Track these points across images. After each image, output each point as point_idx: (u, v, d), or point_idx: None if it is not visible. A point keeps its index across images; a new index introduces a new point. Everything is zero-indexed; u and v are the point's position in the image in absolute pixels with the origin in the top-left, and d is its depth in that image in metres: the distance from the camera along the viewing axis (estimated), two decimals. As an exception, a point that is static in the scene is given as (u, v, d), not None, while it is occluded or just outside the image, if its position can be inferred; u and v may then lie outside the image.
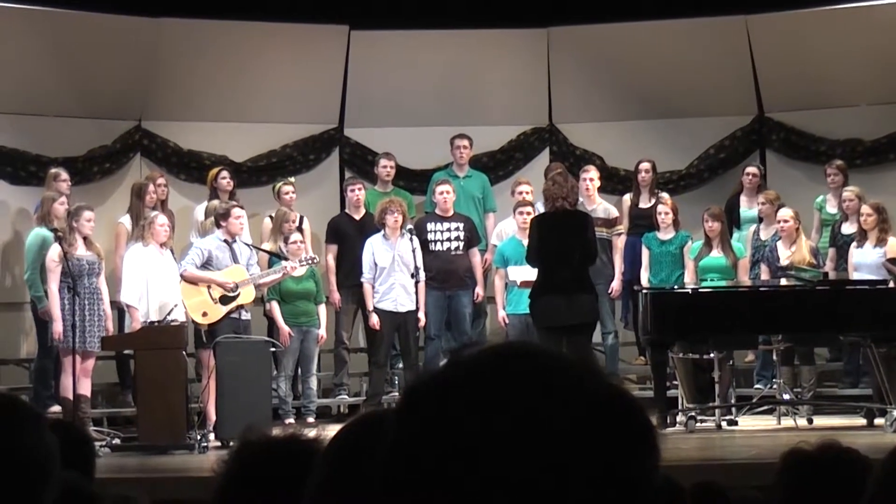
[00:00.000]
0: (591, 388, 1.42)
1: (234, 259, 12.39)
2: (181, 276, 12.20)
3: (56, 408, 11.99)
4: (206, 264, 12.32)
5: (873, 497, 1.76)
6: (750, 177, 13.94)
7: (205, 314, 12.20)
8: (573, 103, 15.08)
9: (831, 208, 13.56)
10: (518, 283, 12.57)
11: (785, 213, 12.87)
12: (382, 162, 14.18)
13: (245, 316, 12.41)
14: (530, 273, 11.92)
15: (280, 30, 14.60)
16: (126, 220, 13.05)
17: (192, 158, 14.63)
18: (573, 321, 11.31)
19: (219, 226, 12.53)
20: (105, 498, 3.25)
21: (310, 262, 12.83)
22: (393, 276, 13.06)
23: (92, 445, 4.04)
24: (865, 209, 12.58)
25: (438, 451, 1.39)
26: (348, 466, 2.02)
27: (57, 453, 2.08)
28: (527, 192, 13.54)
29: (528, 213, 12.79)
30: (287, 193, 13.66)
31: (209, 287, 12.23)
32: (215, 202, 13.28)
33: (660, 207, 13.35)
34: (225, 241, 12.43)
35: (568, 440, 1.38)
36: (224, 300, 12.23)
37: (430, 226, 13.55)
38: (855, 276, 12.39)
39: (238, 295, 12.26)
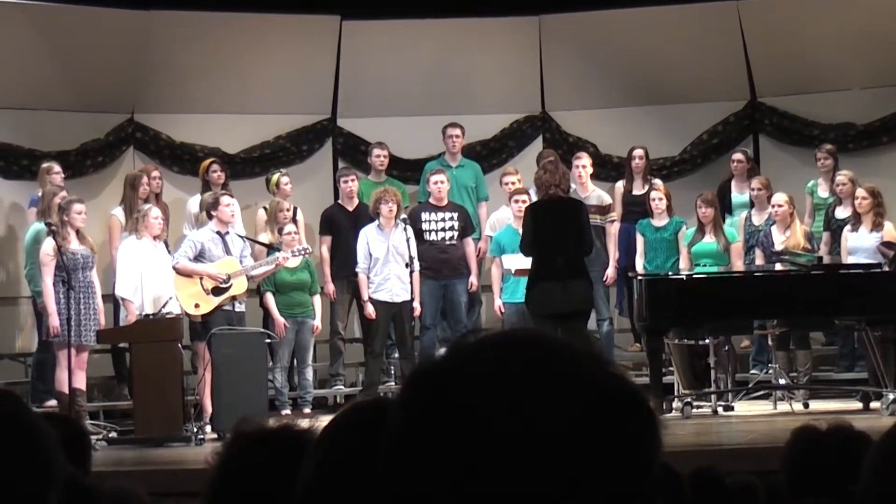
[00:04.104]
0: (593, 376, 1.42)
1: (227, 251, 12.38)
2: (174, 268, 12.19)
3: (52, 402, 11.99)
4: (199, 256, 12.31)
5: (867, 481, 1.75)
6: (736, 163, 13.94)
7: (197, 305, 12.19)
8: (566, 91, 15.06)
9: (822, 192, 13.55)
10: (513, 272, 12.57)
11: (779, 197, 12.86)
12: (376, 151, 14.15)
13: (239, 308, 12.40)
14: (525, 261, 11.90)
15: (271, 21, 14.57)
16: (119, 212, 13.02)
17: (184, 150, 14.60)
18: (567, 308, 11.30)
19: (210, 217, 12.52)
20: (102, 491, 3.25)
21: (303, 252, 12.82)
22: (388, 266, 13.05)
23: (88, 439, 4.04)
24: (860, 192, 12.55)
25: (442, 439, 1.38)
26: (340, 456, 2.01)
27: (59, 452, 2.08)
28: (512, 183, 13.53)
29: (524, 202, 12.75)
30: (287, 184, 13.61)
31: (202, 278, 12.22)
32: (208, 194, 13.25)
33: (653, 194, 13.33)
34: (218, 232, 12.43)
35: (572, 429, 1.37)
36: (216, 291, 12.23)
37: (424, 215, 13.53)
38: (850, 259, 12.38)
39: (230, 286, 12.25)
